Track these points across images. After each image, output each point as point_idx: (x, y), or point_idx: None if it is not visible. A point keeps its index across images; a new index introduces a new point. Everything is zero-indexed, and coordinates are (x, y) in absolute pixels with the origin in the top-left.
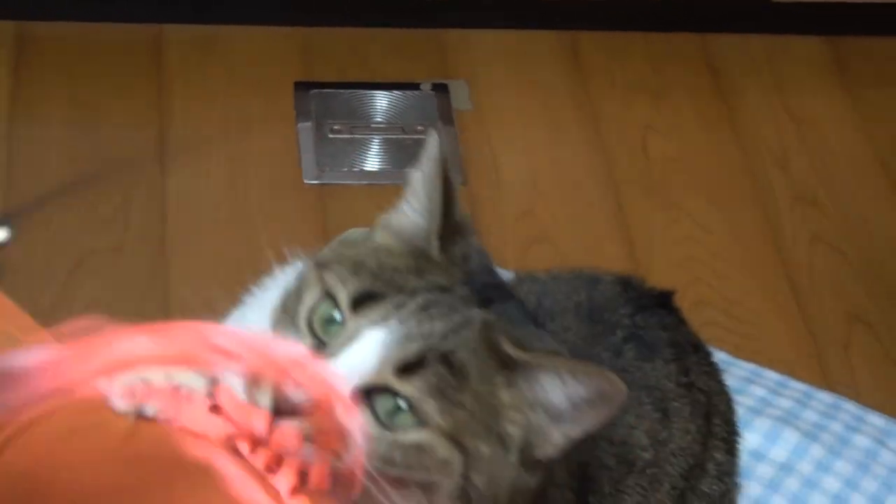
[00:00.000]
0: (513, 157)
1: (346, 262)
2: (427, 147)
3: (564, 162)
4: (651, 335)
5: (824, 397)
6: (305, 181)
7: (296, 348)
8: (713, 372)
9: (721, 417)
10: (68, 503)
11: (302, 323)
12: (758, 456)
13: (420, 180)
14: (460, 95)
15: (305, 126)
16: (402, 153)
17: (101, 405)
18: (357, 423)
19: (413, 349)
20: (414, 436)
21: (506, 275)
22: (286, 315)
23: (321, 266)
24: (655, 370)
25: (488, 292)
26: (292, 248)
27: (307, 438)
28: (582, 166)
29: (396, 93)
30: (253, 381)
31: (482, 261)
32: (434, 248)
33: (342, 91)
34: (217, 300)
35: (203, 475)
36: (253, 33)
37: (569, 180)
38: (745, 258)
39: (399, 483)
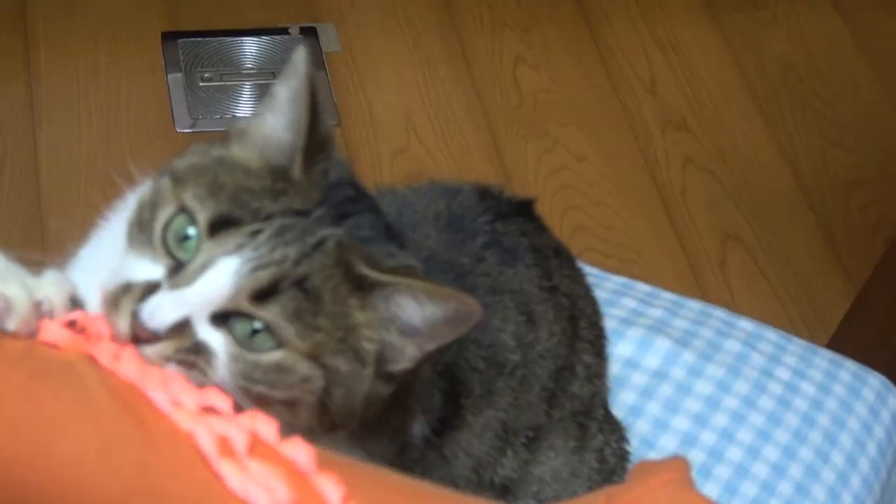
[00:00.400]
0: (385, 97)
1: (203, 179)
2: (293, 61)
3: (437, 99)
4: (511, 241)
5: (694, 305)
6: (178, 130)
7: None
8: (576, 276)
9: (587, 320)
10: None
11: (157, 240)
12: (631, 364)
13: (286, 95)
14: (329, 38)
15: (175, 76)
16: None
17: None
18: (217, 343)
19: (266, 277)
20: (274, 356)
21: None
22: (141, 232)
23: (177, 181)
24: (518, 275)
25: (346, 207)
26: (142, 168)
27: (167, 359)
28: (455, 102)
29: (265, 38)
30: (112, 303)
31: (341, 173)
32: (297, 167)
33: (210, 39)
34: None
35: (63, 378)
36: None
37: (442, 117)
38: (619, 184)
39: (262, 401)
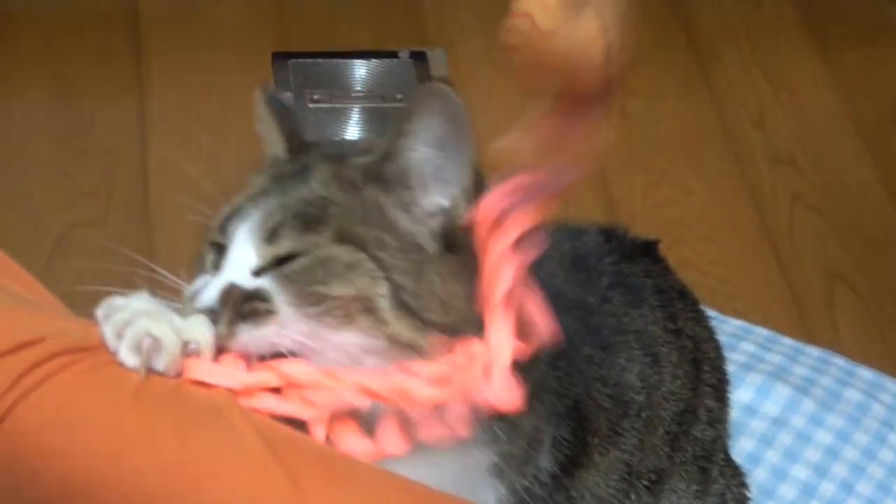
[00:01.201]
0: (493, 123)
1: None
2: (257, 100)
3: None
4: (636, 282)
5: (813, 352)
6: None
7: None
8: (700, 319)
9: (710, 364)
10: (83, 457)
11: (208, 265)
12: (750, 411)
13: (262, 126)
14: (438, 63)
15: (284, 96)
16: (382, 122)
17: (109, 362)
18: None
19: (270, 220)
20: (307, 258)
21: None
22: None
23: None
24: (643, 316)
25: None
26: None
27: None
28: None
29: (375, 62)
30: None
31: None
32: (283, 156)
33: (320, 61)
34: None
35: (213, 422)
36: (229, 4)
37: None
38: (725, 219)
39: (332, 311)
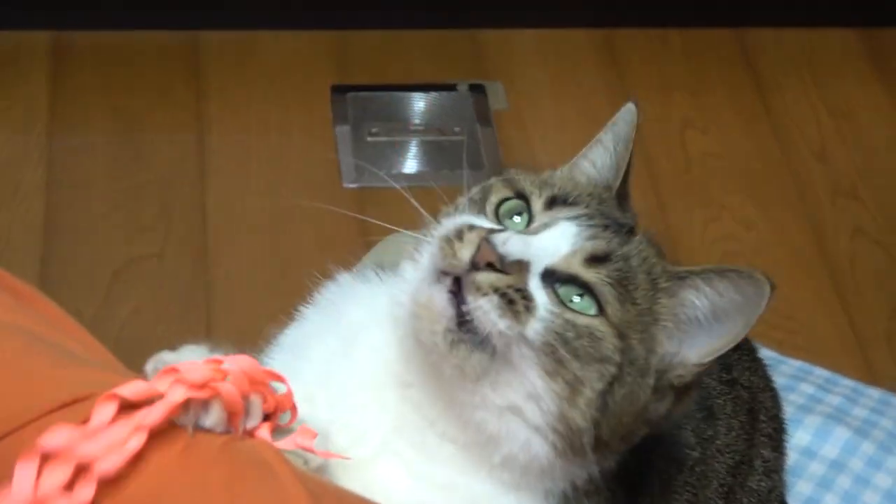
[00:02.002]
0: (551, 157)
1: (534, 178)
2: (622, 112)
3: None
4: None
5: (874, 393)
6: (344, 185)
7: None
8: (757, 368)
9: (767, 414)
10: None
11: (490, 213)
12: (809, 454)
13: (612, 138)
14: (497, 96)
15: (343, 130)
16: (441, 155)
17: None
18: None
19: (601, 245)
20: (590, 320)
21: None
22: (472, 208)
23: (507, 180)
24: None
25: None
26: (335, 265)
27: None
28: None
29: (433, 94)
30: (455, 235)
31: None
32: (609, 193)
33: (379, 94)
34: (259, 306)
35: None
36: (288, 38)
37: None
38: (786, 253)
39: (556, 368)
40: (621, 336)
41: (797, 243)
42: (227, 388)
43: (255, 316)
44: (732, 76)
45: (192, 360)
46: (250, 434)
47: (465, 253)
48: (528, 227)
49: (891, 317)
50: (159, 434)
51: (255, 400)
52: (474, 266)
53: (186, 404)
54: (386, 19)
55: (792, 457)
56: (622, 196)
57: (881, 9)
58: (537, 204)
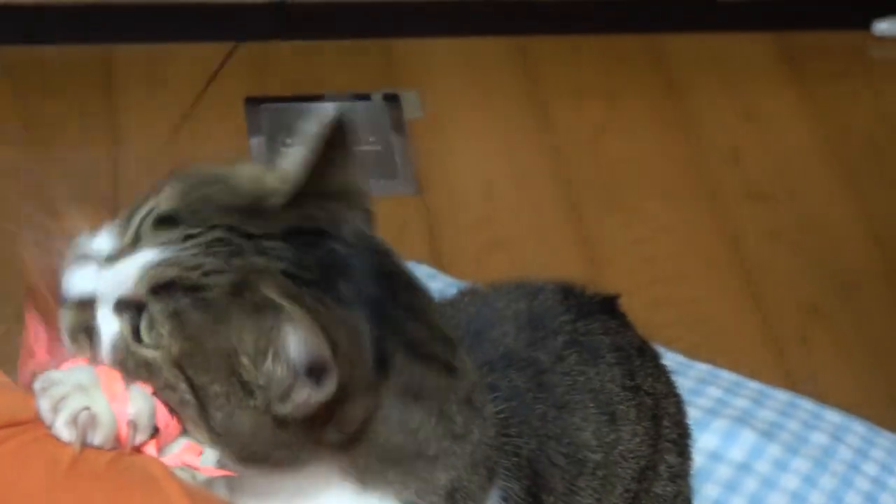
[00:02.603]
0: (467, 165)
1: (187, 183)
2: (324, 115)
3: (519, 167)
4: (593, 340)
5: (780, 396)
6: None
7: None
8: (660, 374)
9: (671, 420)
10: None
11: (136, 218)
12: (716, 457)
13: (308, 137)
14: (412, 104)
15: (258, 141)
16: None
17: (45, 436)
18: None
19: (167, 273)
20: (146, 352)
21: (453, 290)
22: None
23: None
24: (599, 374)
25: (313, 252)
26: None
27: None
28: (537, 171)
29: (347, 104)
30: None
31: (351, 231)
32: (278, 197)
33: (293, 105)
34: None
35: (148, 493)
36: (201, 50)
37: (524, 185)
38: (700, 256)
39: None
40: (179, 367)
41: (711, 246)
42: (116, 405)
43: None
44: (646, 81)
45: (80, 377)
46: (138, 450)
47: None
48: (121, 252)
49: (804, 318)
50: (45, 451)
51: (143, 416)
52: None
53: (75, 420)
54: (299, 30)
55: (699, 460)
56: (320, 192)
57: (793, 12)
58: (152, 217)
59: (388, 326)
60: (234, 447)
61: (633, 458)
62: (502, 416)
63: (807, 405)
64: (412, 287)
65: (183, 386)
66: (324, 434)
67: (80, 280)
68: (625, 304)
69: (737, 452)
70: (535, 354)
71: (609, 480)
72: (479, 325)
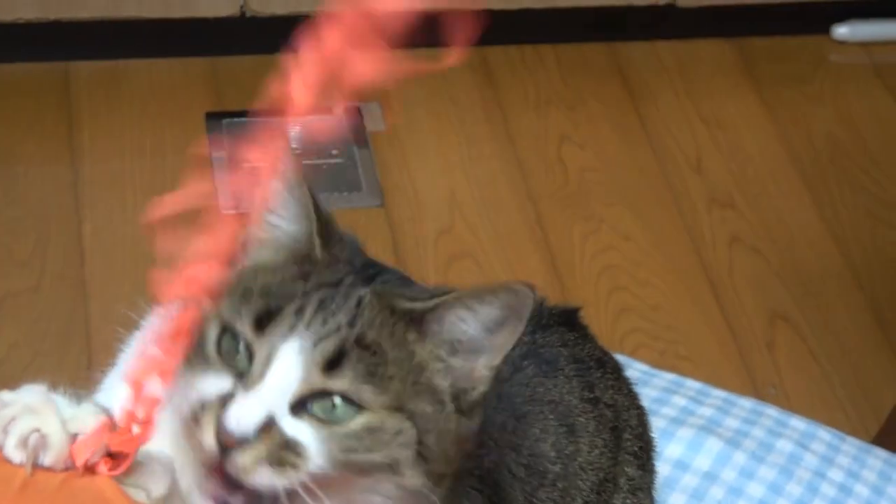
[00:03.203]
0: (430, 176)
1: (235, 291)
2: (280, 164)
3: (482, 178)
4: (551, 352)
5: (746, 403)
6: (223, 211)
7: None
8: (621, 386)
9: (632, 432)
10: None
11: (214, 359)
12: (681, 466)
13: (286, 190)
14: (373, 117)
15: (220, 156)
16: (318, 178)
17: None
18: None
19: (330, 345)
20: (360, 420)
21: None
22: (197, 355)
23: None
24: (558, 386)
25: (368, 270)
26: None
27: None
28: (499, 181)
29: (310, 118)
30: (193, 422)
31: (354, 245)
32: (317, 248)
33: (255, 119)
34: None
35: None
36: (160, 66)
37: (487, 196)
38: (665, 264)
39: (365, 472)
40: (398, 410)
41: (675, 253)
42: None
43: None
44: (607, 90)
45: (31, 398)
46: (91, 470)
47: (209, 440)
48: (251, 371)
49: (770, 323)
50: None
51: (95, 436)
52: (225, 447)
53: (25, 442)
54: (257, 44)
55: (665, 469)
56: (326, 228)
57: (752, 18)
58: (248, 331)
59: None
60: (441, 466)
61: (592, 470)
62: None
63: (772, 412)
64: None
65: (408, 424)
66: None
67: (244, 412)
68: (589, 312)
69: (702, 461)
70: None
71: (569, 493)
72: None
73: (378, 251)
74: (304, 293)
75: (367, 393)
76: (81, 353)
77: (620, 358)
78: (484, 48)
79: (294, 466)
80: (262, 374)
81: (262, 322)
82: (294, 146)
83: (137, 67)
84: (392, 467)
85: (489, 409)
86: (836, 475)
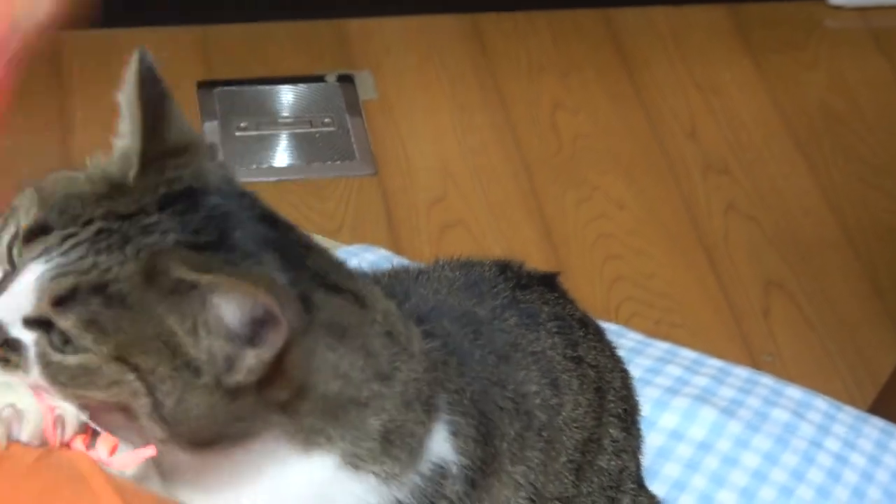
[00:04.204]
0: (423, 145)
1: (44, 192)
2: (129, 66)
3: (475, 146)
4: (531, 308)
5: (741, 373)
6: None
7: None
8: (604, 349)
9: (616, 394)
10: None
11: (3, 249)
12: (676, 436)
13: (123, 100)
14: (366, 85)
15: (211, 125)
16: (311, 147)
17: None
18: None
19: (65, 283)
20: (75, 359)
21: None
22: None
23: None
24: (540, 340)
25: (192, 212)
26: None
27: None
28: (493, 149)
29: (301, 86)
30: None
31: (208, 179)
32: (132, 171)
33: (246, 88)
34: None
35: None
36: (150, 35)
37: (480, 164)
38: (660, 232)
39: (90, 407)
40: (121, 360)
41: (671, 221)
42: (43, 400)
43: None
44: (601, 57)
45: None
46: (66, 446)
47: None
48: (3, 279)
49: (765, 291)
50: None
51: (70, 411)
52: None
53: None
54: (249, 12)
55: (659, 439)
56: (161, 152)
57: None
58: (21, 233)
59: (294, 265)
60: (187, 433)
61: (576, 427)
62: (437, 353)
63: (767, 381)
64: (291, 224)
65: (130, 377)
66: (272, 395)
67: None
68: (583, 280)
69: (697, 431)
70: (471, 309)
71: (553, 446)
72: (407, 287)
73: (371, 220)
74: (87, 220)
75: (86, 340)
76: None
77: (614, 328)
78: (476, 15)
79: (18, 367)
80: (4, 286)
81: (33, 234)
82: (286, 115)
83: (127, 36)
84: (125, 412)
85: (466, 343)
86: (832, 444)
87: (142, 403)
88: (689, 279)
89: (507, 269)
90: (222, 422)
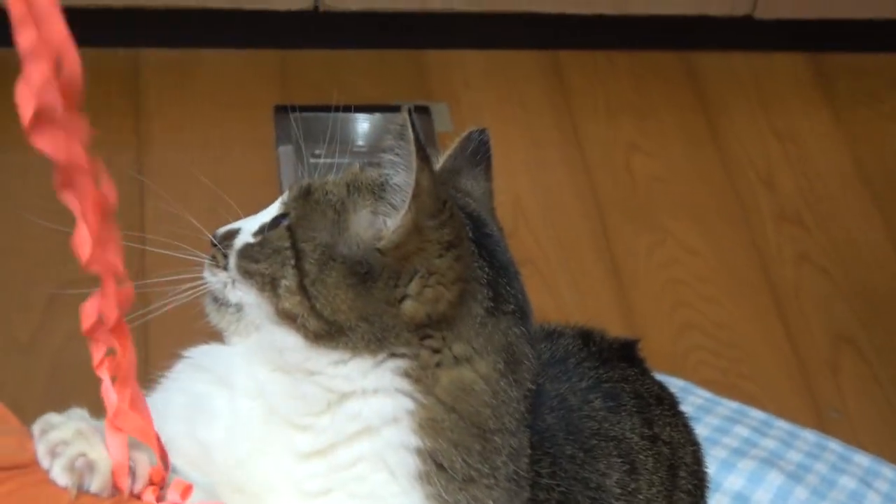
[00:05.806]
0: (496, 180)
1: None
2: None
3: (548, 183)
4: (614, 388)
5: (809, 437)
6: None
7: None
8: (678, 423)
9: (687, 470)
10: None
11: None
12: (742, 499)
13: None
14: (441, 117)
15: (286, 150)
16: None
17: (41, 480)
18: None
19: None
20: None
21: None
22: None
23: None
24: (621, 423)
25: None
26: None
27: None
28: (565, 187)
29: (377, 115)
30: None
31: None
32: None
33: (322, 114)
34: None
35: None
36: (231, 56)
37: (552, 202)
38: (730, 280)
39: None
40: (288, 229)
41: (742, 270)
42: (113, 452)
43: (193, 338)
44: (679, 99)
45: (79, 423)
46: (137, 497)
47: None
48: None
49: (834, 345)
50: (43, 496)
51: (141, 462)
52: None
53: (72, 466)
54: (330, 39)
55: (724, 501)
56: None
57: (826, 33)
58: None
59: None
60: (321, 308)
61: None
62: (536, 454)
63: (835, 447)
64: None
65: (287, 243)
66: (406, 305)
67: (228, 227)
68: (652, 327)
69: (763, 494)
70: (564, 394)
71: None
72: None
73: None
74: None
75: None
76: (139, 345)
77: (683, 384)
78: (556, 52)
79: (217, 265)
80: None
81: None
82: (361, 143)
83: (207, 57)
84: (272, 284)
85: (560, 437)
86: None
87: (286, 275)
88: (758, 330)
89: (589, 342)
90: (354, 309)
